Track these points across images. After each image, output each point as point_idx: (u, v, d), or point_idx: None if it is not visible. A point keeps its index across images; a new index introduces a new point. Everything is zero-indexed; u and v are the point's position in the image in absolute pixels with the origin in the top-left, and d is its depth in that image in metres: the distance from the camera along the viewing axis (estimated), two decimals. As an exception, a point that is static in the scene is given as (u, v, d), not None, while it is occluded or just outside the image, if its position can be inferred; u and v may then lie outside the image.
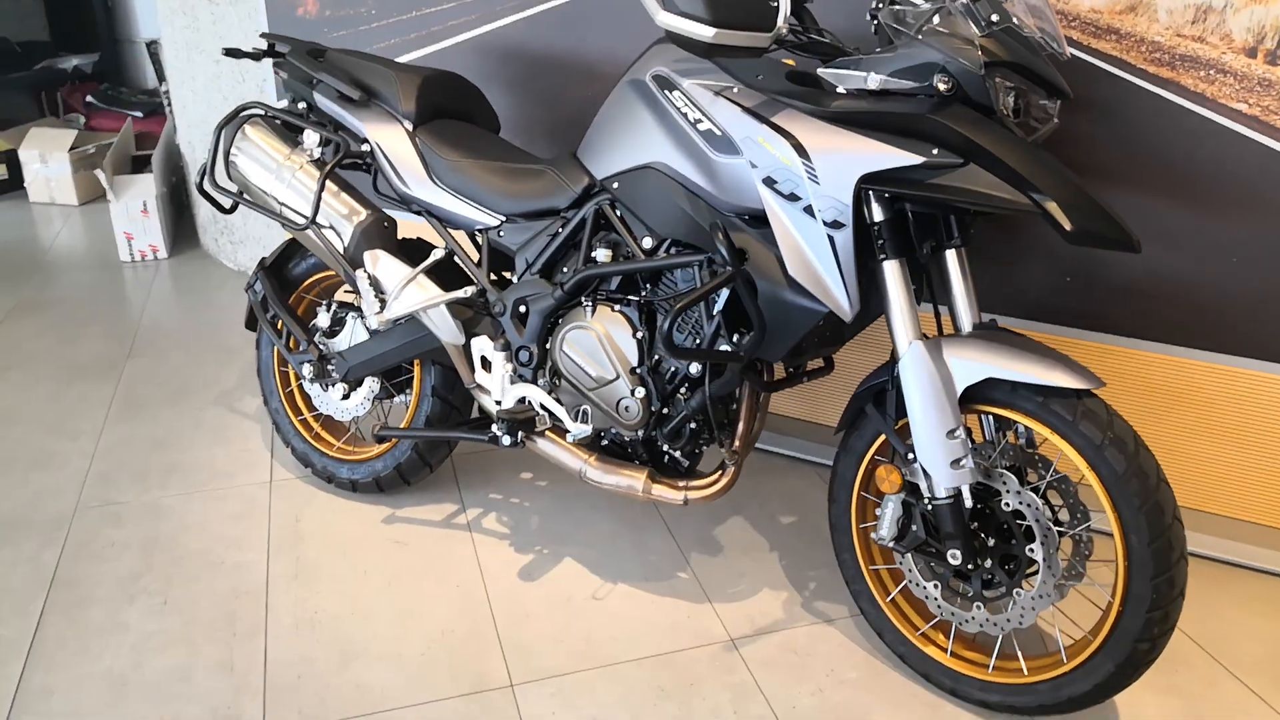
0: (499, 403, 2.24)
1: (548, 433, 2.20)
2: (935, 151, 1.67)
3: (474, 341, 2.24)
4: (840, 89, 1.76)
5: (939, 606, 1.95)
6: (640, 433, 2.11)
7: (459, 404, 2.46)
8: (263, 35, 2.48)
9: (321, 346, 2.50)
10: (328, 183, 2.32)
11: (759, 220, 1.88)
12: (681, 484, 2.10)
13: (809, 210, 1.75)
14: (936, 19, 1.68)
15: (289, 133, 2.42)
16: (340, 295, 2.63)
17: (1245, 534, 2.41)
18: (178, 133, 4.34)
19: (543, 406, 2.19)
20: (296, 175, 2.31)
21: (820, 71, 1.77)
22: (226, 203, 2.50)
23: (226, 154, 2.38)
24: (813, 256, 1.77)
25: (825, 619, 2.22)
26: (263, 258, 2.59)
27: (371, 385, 2.51)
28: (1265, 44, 2.13)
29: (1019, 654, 1.93)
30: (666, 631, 2.16)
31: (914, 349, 1.80)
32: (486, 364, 2.24)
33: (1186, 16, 2.19)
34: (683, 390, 2.08)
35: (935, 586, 1.95)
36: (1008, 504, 1.82)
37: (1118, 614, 1.74)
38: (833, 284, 1.78)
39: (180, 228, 4.76)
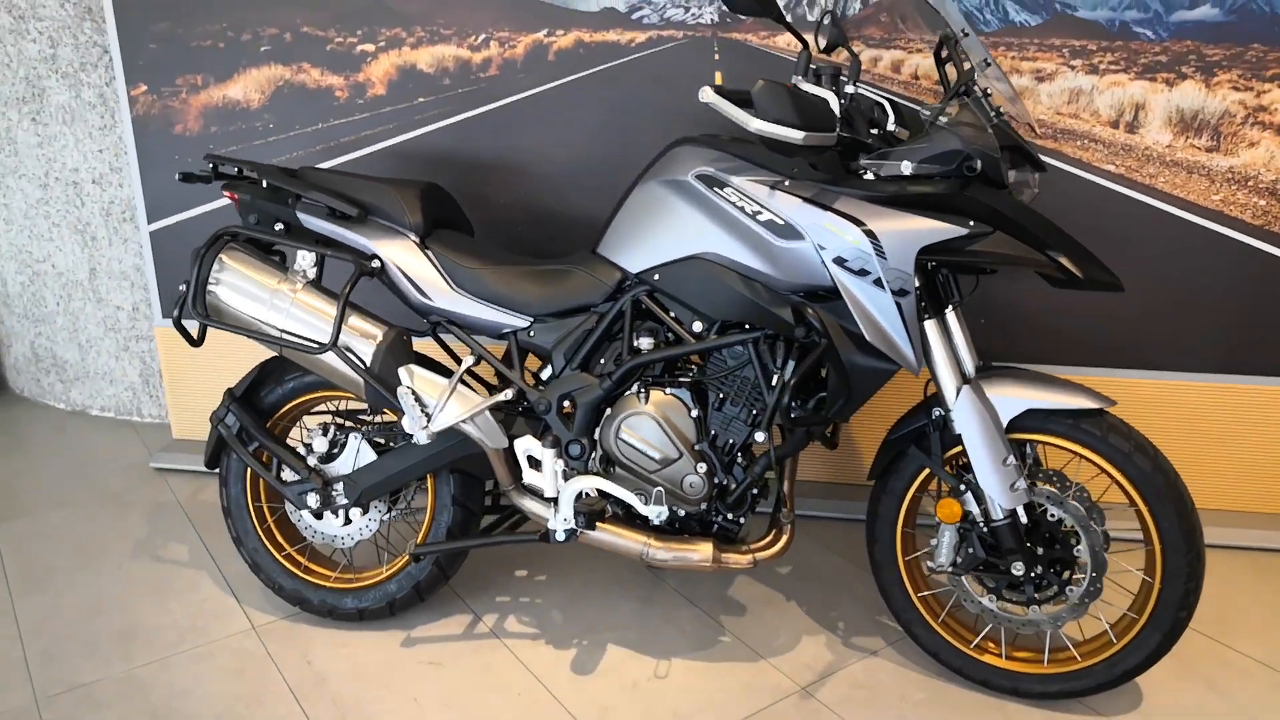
0: (553, 500, 2.25)
1: (601, 522, 2.25)
2: (971, 223, 1.96)
3: (518, 443, 2.25)
4: (868, 174, 2.02)
5: (995, 617, 2.21)
6: (703, 505, 2.21)
7: (478, 509, 2.43)
8: (208, 157, 2.36)
9: (322, 473, 2.38)
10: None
11: (812, 295, 2.09)
12: (745, 549, 2.23)
13: (878, 282, 1.98)
14: (962, 114, 1.98)
15: (268, 255, 2.31)
16: (314, 419, 2.51)
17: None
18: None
19: (603, 494, 2.24)
20: (296, 302, 2.22)
21: (863, 162, 2.02)
22: (197, 334, 2.32)
23: (205, 283, 2.23)
24: (884, 322, 2.00)
25: (869, 651, 2.41)
26: (229, 388, 2.43)
27: (377, 505, 2.42)
28: (1124, 117, 2.64)
29: (1069, 644, 2.22)
30: (742, 694, 2.26)
31: (966, 393, 2.07)
32: (533, 463, 2.26)
33: (1062, 99, 2.66)
34: (740, 460, 2.22)
35: (991, 600, 2.21)
36: (1052, 514, 2.11)
37: (1159, 591, 2.07)
38: (902, 344, 2.01)
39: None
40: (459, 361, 2.42)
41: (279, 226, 2.33)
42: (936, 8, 2.08)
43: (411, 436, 2.31)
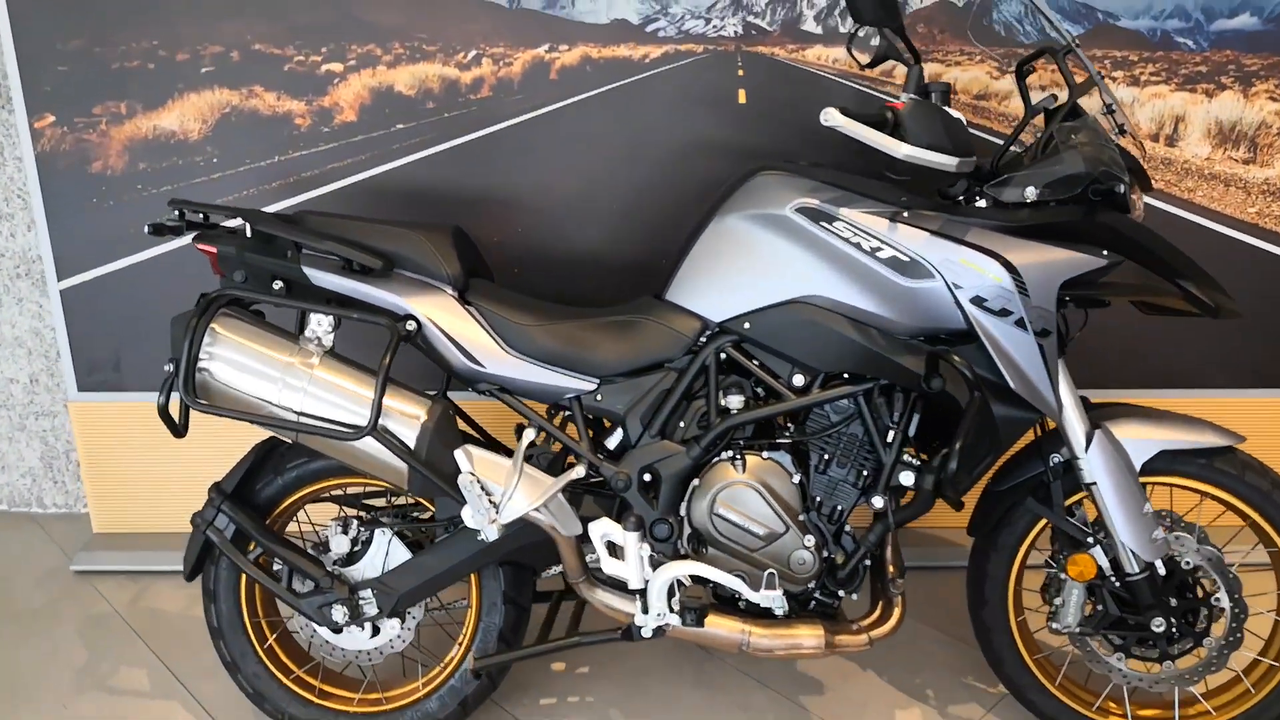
0: (639, 591, 1.93)
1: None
2: (1105, 253, 1.78)
3: (592, 527, 1.91)
4: (979, 201, 1.81)
5: (1124, 677, 2.03)
6: (810, 584, 1.95)
7: (529, 606, 2.08)
8: (172, 202, 1.92)
9: (344, 579, 1.98)
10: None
11: (931, 340, 1.85)
12: (857, 628, 1.97)
13: (1020, 323, 1.76)
14: (1082, 133, 1.80)
15: (266, 323, 1.90)
16: (313, 510, 2.10)
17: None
18: None
19: (699, 580, 1.94)
20: (316, 379, 1.82)
21: (987, 189, 1.80)
22: (180, 421, 1.89)
23: (195, 361, 1.80)
24: (1026, 366, 1.78)
25: (972, 722, 2.20)
26: (216, 484, 1.99)
27: (411, 610, 2.03)
28: (1164, 130, 2.54)
29: (1199, 698, 2.06)
30: (857, 789, 2.01)
31: (1100, 438, 1.88)
32: (612, 549, 1.93)
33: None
34: (847, 529, 1.96)
35: (1119, 659, 2.02)
36: (1188, 561, 1.95)
37: (1302, 634, 1.94)
38: (1044, 389, 1.80)
39: None
40: (472, 424, 2.07)
41: (277, 285, 1.91)
42: (1052, 21, 1.88)
43: (459, 529, 1.95)
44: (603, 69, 2.47)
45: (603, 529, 1.91)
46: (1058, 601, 2.00)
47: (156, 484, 2.79)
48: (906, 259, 1.78)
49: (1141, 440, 1.90)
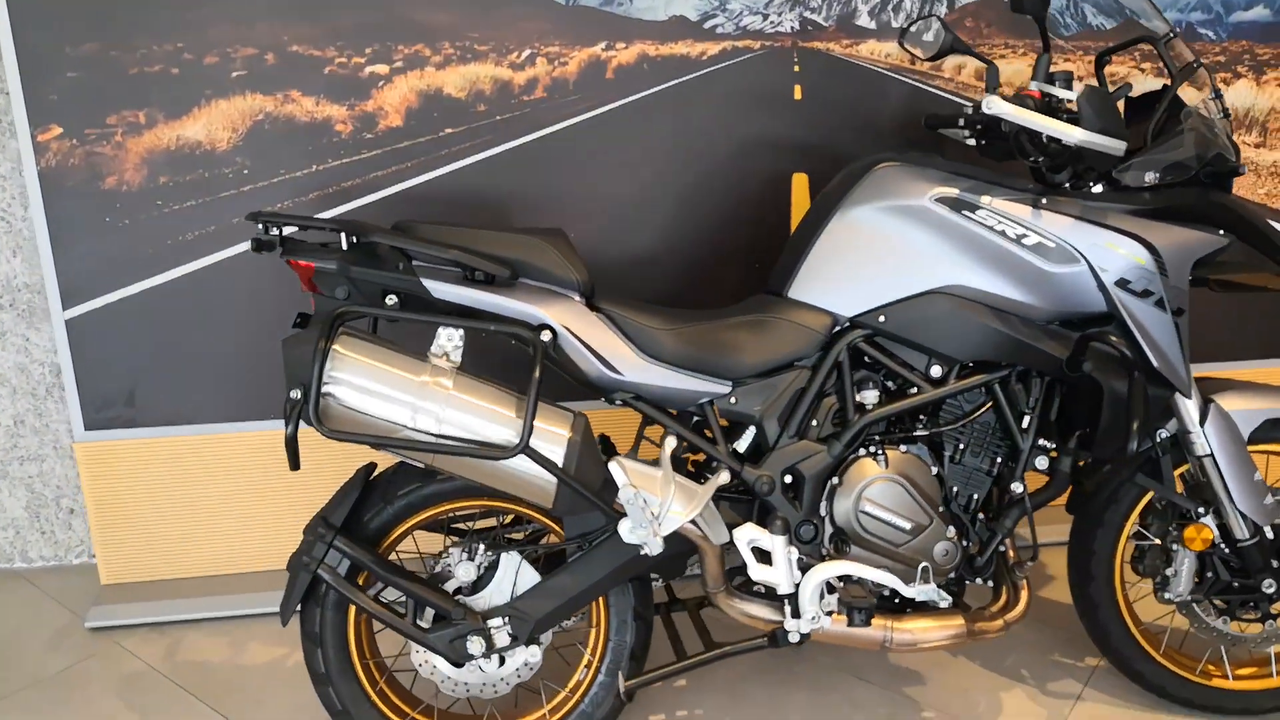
0: (789, 596, 1.89)
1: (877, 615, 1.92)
2: (1221, 232, 1.85)
3: (737, 534, 1.86)
4: (1096, 187, 1.85)
5: (1229, 639, 2.11)
6: (952, 574, 1.94)
7: (652, 621, 2.01)
8: (254, 216, 1.77)
9: (471, 609, 1.86)
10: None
11: (1067, 325, 1.88)
12: (992, 614, 1.98)
13: (1160, 303, 1.81)
14: (1193, 118, 1.86)
15: (386, 340, 1.77)
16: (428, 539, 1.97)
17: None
18: None
19: (852, 580, 1.91)
20: (452, 397, 1.70)
21: (1115, 173, 1.84)
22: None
23: (320, 387, 1.66)
24: (1165, 346, 1.83)
25: (1073, 696, 2.24)
26: (320, 518, 1.83)
27: (542, 635, 1.93)
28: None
29: (1293, 653, 2.17)
30: (995, 775, 2.02)
31: (1215, 409, 1.95)
32: (759, 555, 1.87)
33: (1127, 101, 2.65)
34: (980, 516, 1.97)
35: (1224, 622, 2.10)
36: (1289, 524, 2.04)
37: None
38: (1179, 367, 1.85)
39: None
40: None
41: (390, 300, 1.79)
42: (1141, 12, 1.95)
43: (595, 546, 1.86)
44: (660, 67, 2.42)
45: (749, 535, 1.86)
46: (1169, 571, 2.06)
47: (173, 527, 2.56)
48: (1052, 245, 1.80)
49: (1248, 411, 1.98)
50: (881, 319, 1.88)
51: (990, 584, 2.02)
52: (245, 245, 2.38)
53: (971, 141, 2.05)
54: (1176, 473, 2.04)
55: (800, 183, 2.56)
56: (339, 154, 2.36)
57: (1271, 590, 2.03)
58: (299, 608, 1.88)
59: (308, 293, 1.82)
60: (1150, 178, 1.82)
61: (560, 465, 1.72)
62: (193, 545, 2.58)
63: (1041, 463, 1.93)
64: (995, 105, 1.68)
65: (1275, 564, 2.04)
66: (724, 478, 1.85)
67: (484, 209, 2.44)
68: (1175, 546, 2.06)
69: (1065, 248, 1.80)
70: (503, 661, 1.91)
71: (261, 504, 2.56)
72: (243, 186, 2.35)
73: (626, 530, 1.76)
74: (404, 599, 1.90)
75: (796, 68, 2.47)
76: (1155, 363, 1.83)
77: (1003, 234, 1.81)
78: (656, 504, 1.75)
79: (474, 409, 1.71)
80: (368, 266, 1.77)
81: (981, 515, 1.98)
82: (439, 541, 2.47)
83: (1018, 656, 2.39)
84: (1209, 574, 2.06)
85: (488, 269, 1.76)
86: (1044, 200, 1.82)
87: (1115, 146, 1.71)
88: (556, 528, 1.93)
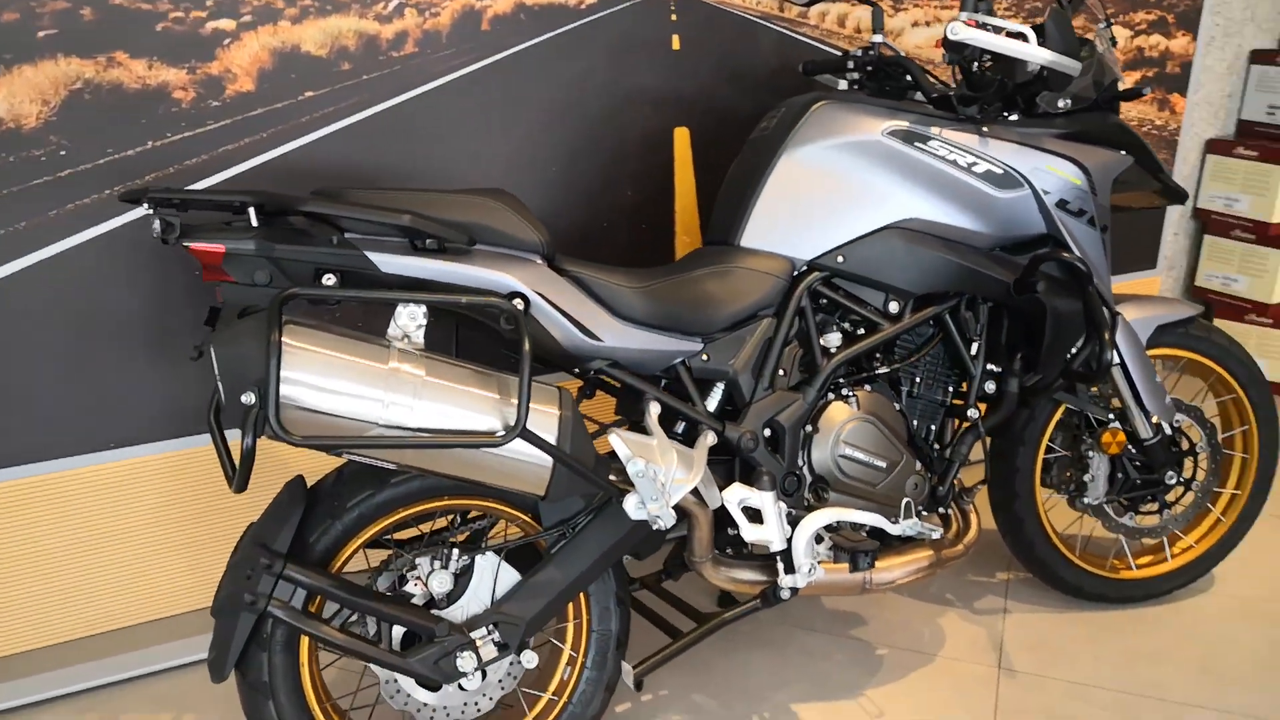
0: (781, 552, 1.81)
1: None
2: (1123, 153, 1.98)
3: (726, 495, 1.76)
4: (1012, 116, 1.92)
5: (1133, 532, 2.28)
6: (921, 507, 1.96)
7: (630, 604, 1.88)
8: (127, 195, 1.47)
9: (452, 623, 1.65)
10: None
11: (1009, 250, 1.93)
12: (949, 539, 2.02)
13: (1091, 221, 1.90)
14: (1100, 44, 1.97)
15: (335, 325, 1.52)
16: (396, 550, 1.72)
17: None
18: None
19: (845, 525, 1.87)
20: (427, 383, 1.49)
21: (1040, 99, 1.90)
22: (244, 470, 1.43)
23: (279, 388, 1.39)
24: (1097, 262, 1.92)
25: (1002, 611, 2.34)
26: (260, 545, 1.54)
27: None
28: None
29: (1181, 535, 2.38)
30: (965, 697, 2.07)
31: (1121, 321, 2.09)
32: (750, 516, 1.79)
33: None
34: (935, 447, 2.00)
35: (1130, 518, 2.27)
36: (1177, 420, 2.23)
37: (1257, 464, 2.31)
38: (1108, 281, 1.96)
39: None
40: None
41: (329, 280, 1.53)
42: None
43: (579, 532, 1.71)
44: (538, 17, 2.25)
45: (739, 495, 1.78)
46: (1086, 478, 2.20)
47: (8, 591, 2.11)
48: (1000, 171, 1.84)
49: (1143, 320, 2.14)
50: (840, 259, 1.84)
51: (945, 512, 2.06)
52: (67, 243, 1.97)
53: (843, 85, 2.06)
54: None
55: (682, 137, 2.48)
56: (179, 126, 2.01)
57: (1172, 481, 2.21)
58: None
59: (211, 283, 1.53)
60: (1063, 103, 1.91)
61: (554, 444, 1.55)
62: (17, 609, 2.13)
63: (989, 387, 1.98)
64: (961, 32, 1.68)
65: (1175, 457, 2.22)
66: (711, 439, 1.75)
67: (354, 182, 2.17)
68: (1091, 454, 2.20)
69: (1011, 173, 1.85)
70: (484, 675, 1.72)
71: (119, 549, 2.16)
72: (60, 171, 1.94)
73: (634, 506, 1.62)
74: (356, 625, 1.66)
75: (674, 16, 2.38)
76: (1095, 277, 1.92)
77: (954, 163, 1.83)
78: (664, 474, 1.62)
79: (452, 395, 1.50)
80: (295, 243, 1.50)
81: (937, 446, 2.01)
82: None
83: (939, 584, 2.47)
84: (1119, 475, 2.21)
85: (444, 235, 1.55)
86: (985, 129, 1.86)
87: (1073, 66, 1.77)
88: (525, 518, 1.75)
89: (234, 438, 2.15)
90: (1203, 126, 3.57)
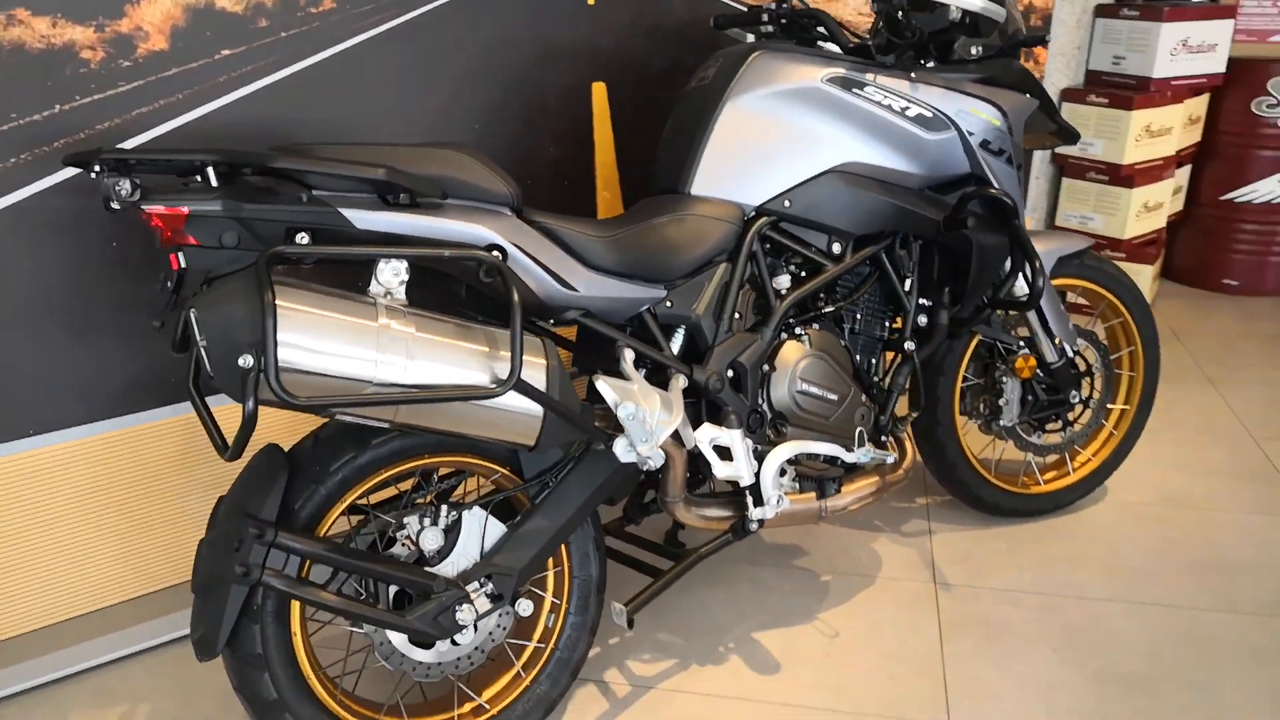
0: (751, 487, 1.88)
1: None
2: (1029, 96, 2.13)
3: (699, 435, 1.81)
4: (929, 63, 2.04)
5: (1040, 450, 2.47)
6: (867, 437, 2.07)
7: (605, 547, 1.91)
8: (73, 159, 1.40)
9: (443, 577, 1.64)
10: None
11: (933, 189, 2.05)
12: (895, 464, 2.14)
13: (1009, 160, 2.03)
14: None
15: (313, 283, 1.48)
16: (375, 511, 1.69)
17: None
18: None
19: (810, 457, 1.95)
20: (417, 338, 1.47)
21: (956, 46, 2.02)
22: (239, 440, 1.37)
23: (277, 349, 1.35)
24: (1017, 199, 2.06)
25: (927, 532, 2.50)
26: (246, 515, 1.49)
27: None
28: None
29: (1080, 449, 2.59)
30: (908, 612, 2.20)
31: (1032, 254, 2.25)
32: (720, 454, 1.85)
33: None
34: (875, 377, 2.11)
35: (1038, 436, 2.46)
36: (1076, 346, 2.43)
37: (1143, 381, 2.53)
38: (1024, 217, 2.10)
39: None
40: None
41: (302, 239, 1.49)
42: None
43: (561, 480, 1.73)
44: (457, -29, 2.21)
45: (710, 434, 1.84)
46: (1001, 402, 2.37)
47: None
48: (929, 114, 1.94)
49: (1046, 252, 2.31)
50: (787, 204, 1.91)
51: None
52: (-30, 217, 1.83)
53: (751, 37, 2.14)
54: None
55: (600, 92, 2.50)
56: (88, 89, 1.88)
57: (1075, 400, 2.40)
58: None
59: (168, 247, 1.47)
60: (976, 50, 2.03)
61: (547, 394, 1.56)
62: (-62, 619, 1.99)
63: (921, 320, 2.10)
64: None
65: (1076, 378, 2.41)
66: (683, 382, 1.80)
67: (277, 143, 2.08)
68: (1005, 380, 2.36)
69: (939, 116, 1.95)
70: (477, 628, 1.72)
71: (40, 543, 2.03)
72: (-51, 140, 1.79)
73: (623, 449, 1.65)
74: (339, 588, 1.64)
75: (588, -30, 2.39)
76: (1017, 214, 2.06)
77: (889, 108, 1.92)
78: (651, 416, 1.66)
79: (444, 349, 1.49)
80: (264, 202, 1.46)
81: (877, 379, 2.12)
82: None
83: (867, 514, 2.61)
84: (1029, 398, 2.39)
85: (419, 189, 1.53)
86: (913, 74, 1.96)
87: (999, 12, 1.88)
88: (504, 471, 1.75)
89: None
90: (1058, 77, 3.83)
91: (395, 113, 2.21)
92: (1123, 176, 3.66)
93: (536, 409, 1.56)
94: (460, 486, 1.79)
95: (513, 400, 1.54)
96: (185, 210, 1.42)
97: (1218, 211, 4.13)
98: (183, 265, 1.46)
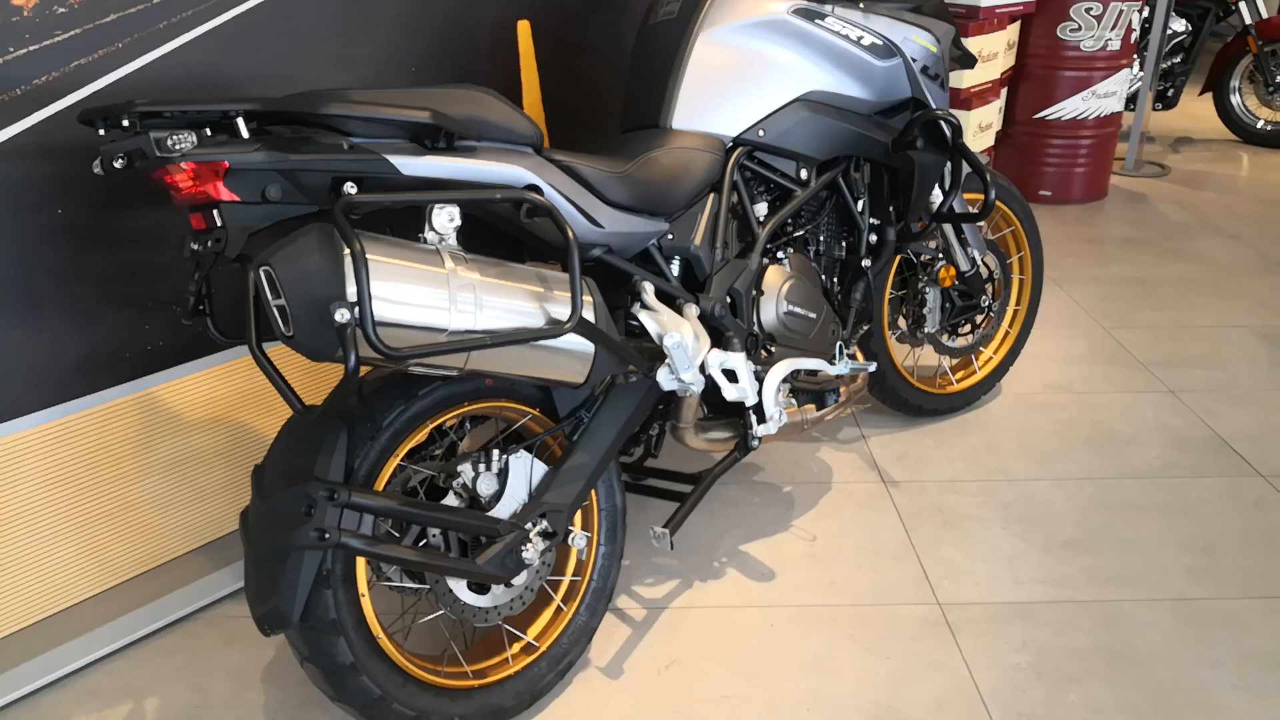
0: (755, 406, 1.98)
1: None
2: (945, 24, 2.32)
3: (710, 360, 1.89)
4: None
5: (955, 351, 2.72)
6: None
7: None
8: (87, 115, 1.32)
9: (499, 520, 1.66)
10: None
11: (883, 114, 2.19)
12: (849, 376, 2.30)
13: (943, 84, 2.20)
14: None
15: (374, 232, 1.44)
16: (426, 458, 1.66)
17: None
18: None
19: (805, 373, 2.07)
20: (484, 282, 1.47)
21: (895, -21, 2.16)
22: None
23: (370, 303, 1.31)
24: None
25: (860, 438, 2.70)
26: (312, 477, 1.45)
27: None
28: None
29: (984, 349, 2.86)
30: (875, 515, 2.39)
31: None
32: (728, 377, 1.93)
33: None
34: (837, 296, 2.25)
35: (951, 339, 2.70)
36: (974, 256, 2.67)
37: (1031, 284, 2.83)
38: (951, 136, 2.28)
39: None
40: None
41: (350, 189, 1.45)
42: None
43: (595, 413, 1.77)
44: (391, -93, 2.12)
45: (718, 359, 1.91)
46: (925, 311, 2.58)
47: None
48: (881, 43, 2.07)
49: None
50: (761, 133, 2.00)
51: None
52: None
53: None
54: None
55: (524, 29, 2.47)
56: (23, 40, 1.69)
57: (985, 304, 2.65)
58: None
59: (194, 205, 1.39)
60: (901, -21, 2.18)
61: (600, 330, 1.59)
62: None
63: (873, 238, 2.26)
64: None
65: (983, 284, 2.66)
66: (694, 310, 1.87)
67: (227, 91, 1.96)
68: (928, 290, 2.57)
69: (888, 44, 2.09)
70: (526, 566, 1.75)
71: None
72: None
73: (666, 377, 1.71)
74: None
75: (513, -94, 2.35)
76: (948, 133, 2.24)
77: (846, 37, 2.03)
78: (692, 343, 1.72)
79: (510, 292, 1.50)
80: (308, 152, 1.40)
81: (838, 296, 2.26)
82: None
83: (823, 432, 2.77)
84: (947, 305, 2.62)
85: (464, 132, 1.51)
86: (862, 4, 2.08)
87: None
88: (535, 413, 1.77)
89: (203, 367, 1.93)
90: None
91: (340, 59, 2.12)
92: (962, 100, 3.98)
93: (588, 346, 1.59)
94: (494, 431, 1.80)
95: (568, 339, 1.56)
96: (225, 163, 1.34)
97: (1031, 129, 4.57)
98: (218, 224, 1.38)
